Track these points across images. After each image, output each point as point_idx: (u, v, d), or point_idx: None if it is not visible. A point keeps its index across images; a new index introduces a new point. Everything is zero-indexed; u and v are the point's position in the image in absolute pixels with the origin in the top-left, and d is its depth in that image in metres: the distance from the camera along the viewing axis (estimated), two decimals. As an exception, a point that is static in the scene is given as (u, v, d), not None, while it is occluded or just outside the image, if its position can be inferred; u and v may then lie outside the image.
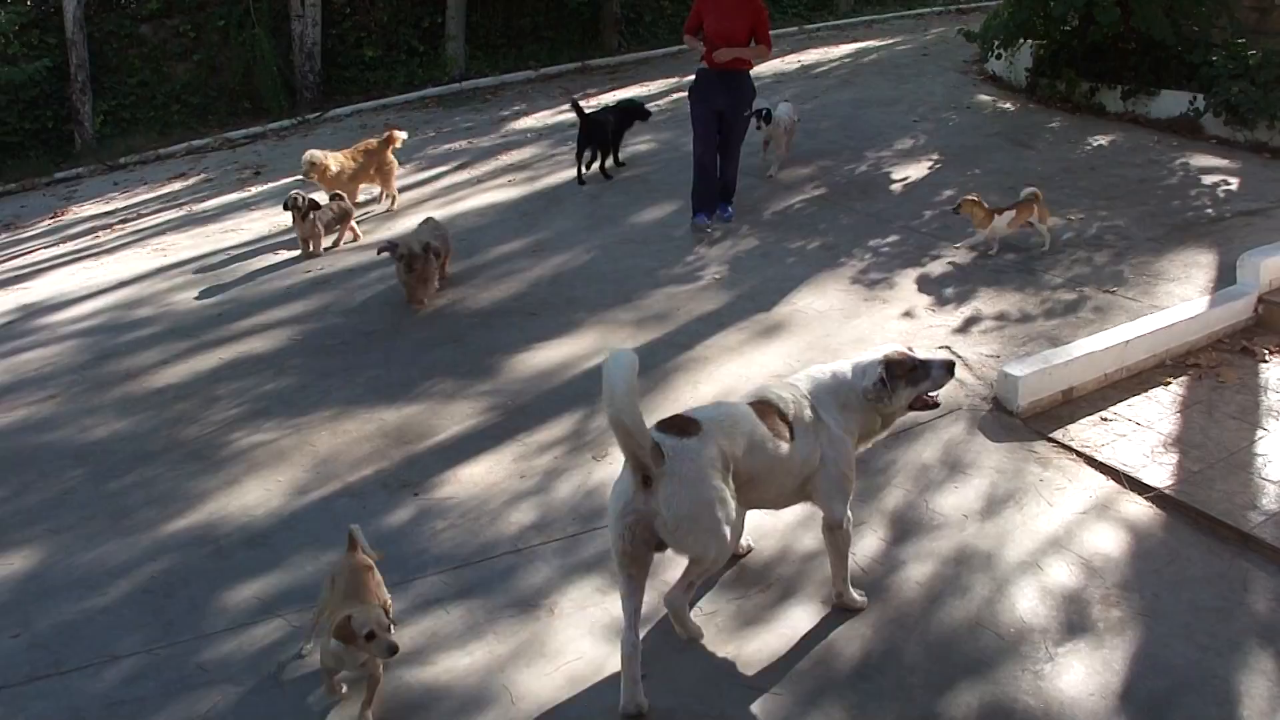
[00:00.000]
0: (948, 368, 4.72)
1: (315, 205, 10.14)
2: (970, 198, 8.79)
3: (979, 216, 8.72)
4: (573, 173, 11.63)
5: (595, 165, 11.79)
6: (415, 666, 4.57)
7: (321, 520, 5.71)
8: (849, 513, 4.69)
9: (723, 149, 9.98)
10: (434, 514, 5.68)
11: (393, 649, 4.09)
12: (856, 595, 4.82)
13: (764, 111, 10.78)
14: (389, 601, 4.56)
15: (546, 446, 6.29)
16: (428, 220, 9.44)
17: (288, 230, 10.75)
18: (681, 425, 4.28)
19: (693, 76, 10.02)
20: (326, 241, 10.34)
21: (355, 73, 19.75)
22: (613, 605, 4.71)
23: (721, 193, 10.18)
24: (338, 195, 10.53)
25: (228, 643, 4.84)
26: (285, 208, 10.21)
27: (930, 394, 4.76)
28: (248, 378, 7.59)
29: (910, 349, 4.80)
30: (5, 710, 4.55)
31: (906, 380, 4.66)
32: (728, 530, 4.21)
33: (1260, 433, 6.05)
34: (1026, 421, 6.29)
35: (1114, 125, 12.31)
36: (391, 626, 4.16)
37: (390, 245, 8.51)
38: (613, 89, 16.99)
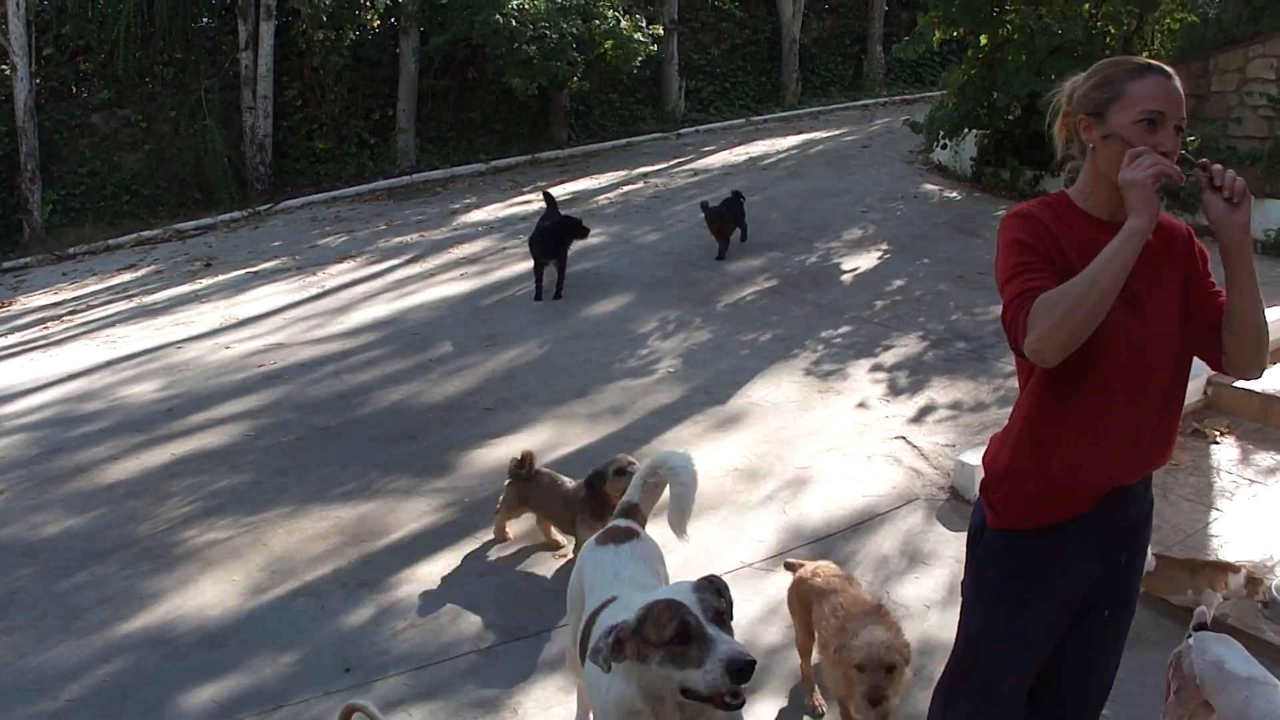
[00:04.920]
0: (731, 668, 2.98)
1: None
2: None
3: None
4: (524, 266, 11.63)
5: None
6: (377, 771, 4.52)
7: (279, 621, 5.63)
8: None
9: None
10: (394, 614, 5.63)
11: None
12: None
13: None
14: None
15: (505, 543, 6.28)
16: None
17: (239, 324, 10.73)
18: None
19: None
20: None
21: (306, 164, 19.83)
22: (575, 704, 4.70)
23: None
24: None
25: (184, 748, 4.78)
26: None
27: (712, 691, 3.02)
28: (200, 474, 7.51)
29: (718, 594, 3.26)
30: (-47, 819, 4.46)
31: (660, 650, 3.09)
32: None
33: (1214, 514, 6.13)
34: (982, 512, 6.30)
35: (1058, 214, 12.54)
36: None
37: None
38: (562, 181, 17.15)
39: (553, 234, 10.92)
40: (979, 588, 3.38)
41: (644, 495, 4.66)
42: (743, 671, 2.97)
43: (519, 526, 6.36)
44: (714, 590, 3.27)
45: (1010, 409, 3.27)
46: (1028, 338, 2.90)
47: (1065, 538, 3.19)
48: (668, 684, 3.10)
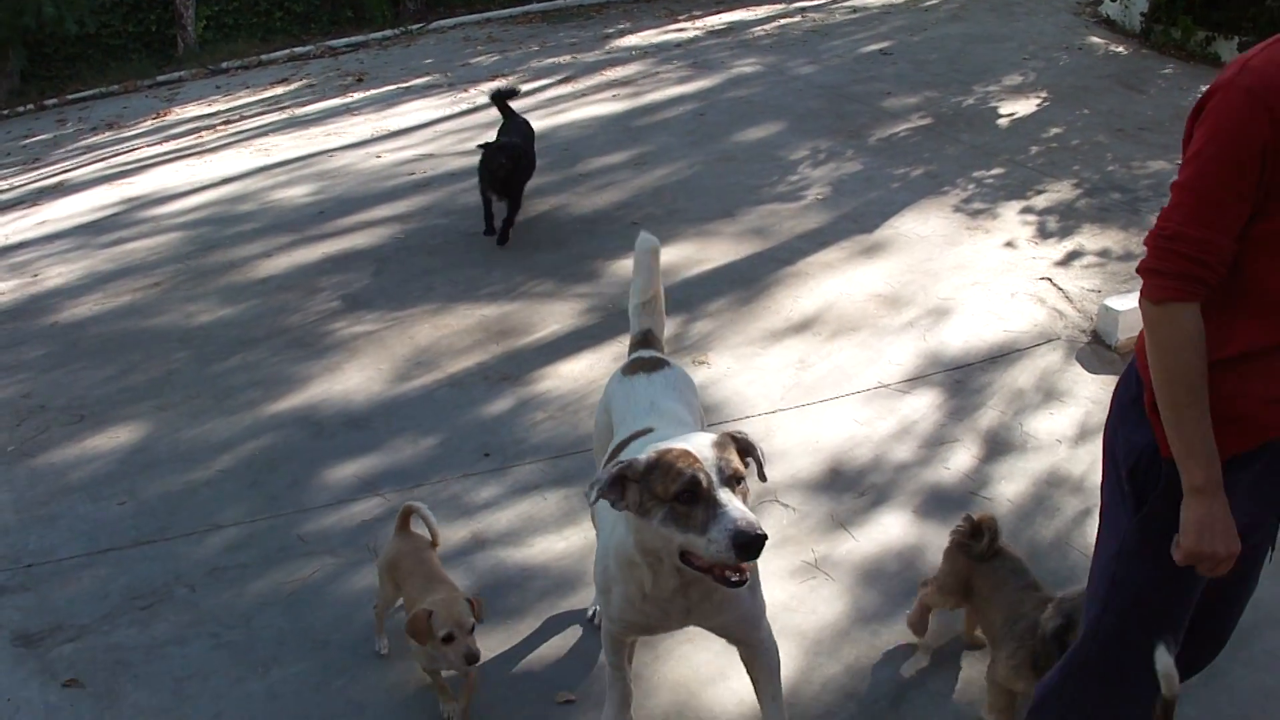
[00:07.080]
0: (739, 540, 2.60)
1: None
2: None
3: None
4: (677, 90, 11.52)
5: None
6: (512, 547, 4.64)
7: (422, 407, 5.78)
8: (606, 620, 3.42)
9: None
10: (533, 406, 5.73)
11: (472, 657, 3.49)
12: None
13: None
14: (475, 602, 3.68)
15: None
16: None
17: (390, 135, 10.82)
18: None
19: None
20: None
21: (460, -15, 19.71)
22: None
23: None
24: None
25: (328, 517, 4.94)
26: None
27: (713, 562, 2.71)
28: (350, 271, 7.64)
29: (742, 454, 2.91)
30: (111, 571, 4.68)
31: (664, 507, 2.75)
32: None
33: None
34: (1124, 356, 6.16)
35: (1228, 76, 12.02)
36: (474, 626, 3.58)
37: None
38: (718, 11, 16.78)
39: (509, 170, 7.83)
40: (1145, 525, 2.71)
41: (652, 317, 4.32)
42: (750, 546, 2.61)
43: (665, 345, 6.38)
44: (739, 448, 2.90)
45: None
46: (1146, 290, 2.54)
47: (1247, 466, 2.62)
48: (667, 544, 2.79)
